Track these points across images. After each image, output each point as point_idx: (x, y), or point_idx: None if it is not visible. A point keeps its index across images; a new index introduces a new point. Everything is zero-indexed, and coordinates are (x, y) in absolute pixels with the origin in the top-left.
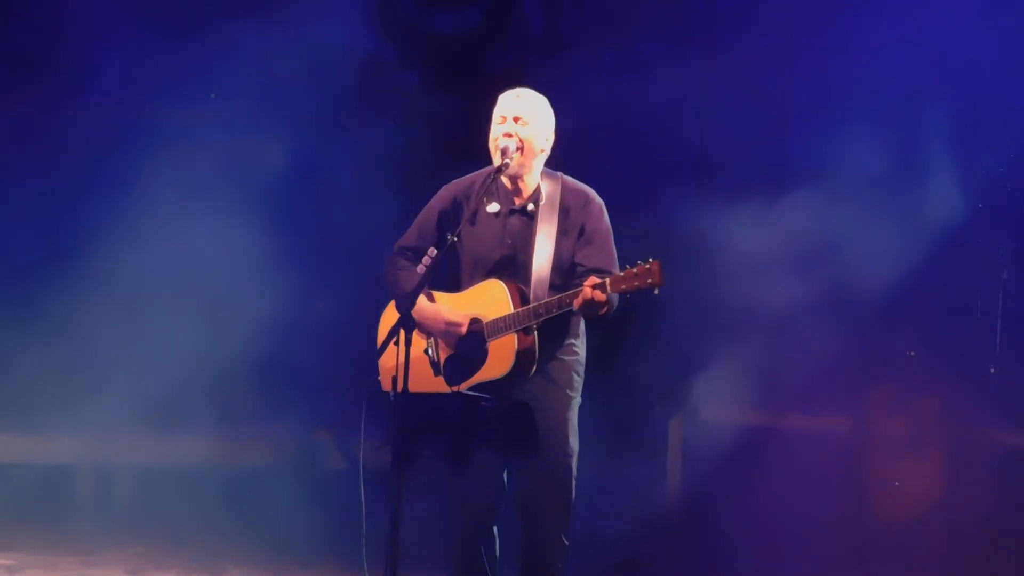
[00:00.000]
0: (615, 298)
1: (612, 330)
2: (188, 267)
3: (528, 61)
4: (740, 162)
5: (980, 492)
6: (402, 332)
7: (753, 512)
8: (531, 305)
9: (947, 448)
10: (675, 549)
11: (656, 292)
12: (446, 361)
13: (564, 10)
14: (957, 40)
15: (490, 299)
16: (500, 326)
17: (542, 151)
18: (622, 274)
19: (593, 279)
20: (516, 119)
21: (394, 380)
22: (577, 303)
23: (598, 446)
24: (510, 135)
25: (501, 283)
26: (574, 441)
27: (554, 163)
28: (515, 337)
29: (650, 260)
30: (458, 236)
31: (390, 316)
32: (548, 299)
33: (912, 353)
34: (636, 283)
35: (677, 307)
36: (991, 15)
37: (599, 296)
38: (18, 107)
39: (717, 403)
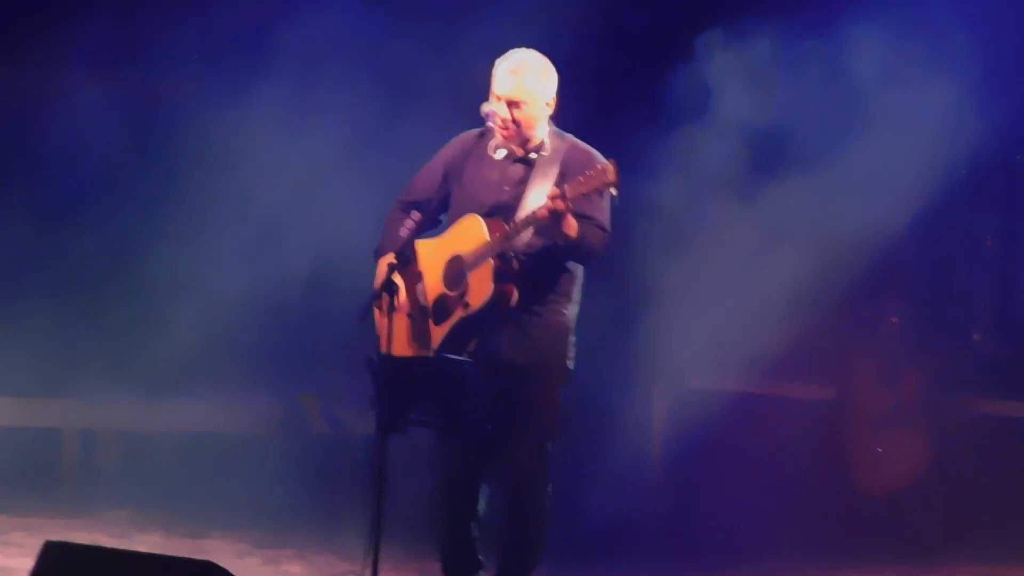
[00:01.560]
0: (593, 236)
1: (599, 299)
2: (178, 238)
3: None
4: (724, 138)
5: (962, 460)
6: (384, 296)
7: (737, 481)
8: (503, 230)
9: (930, 416)
10: (659, 519)
11: (614, 192)
12: (434, 302)
13: None
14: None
15: (468, 233)
16: (476, 256)
17: (544, 114)
18: (580, 178)
19: (553, 190)
20: (511, 103)
21: (378, 346)
22: (541, 214)
23: (582, 416)
24: (506, 124)
25: (478, 217)
26: (557, 411)
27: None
28: (491, 262)
29: (604, 160)
30: (459, 179)
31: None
32: (516, 220)
33: (895, 320)
34: (593, 184)
35: (662, 278)
36: None
37: (560, 205)
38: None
39: (701, 372)
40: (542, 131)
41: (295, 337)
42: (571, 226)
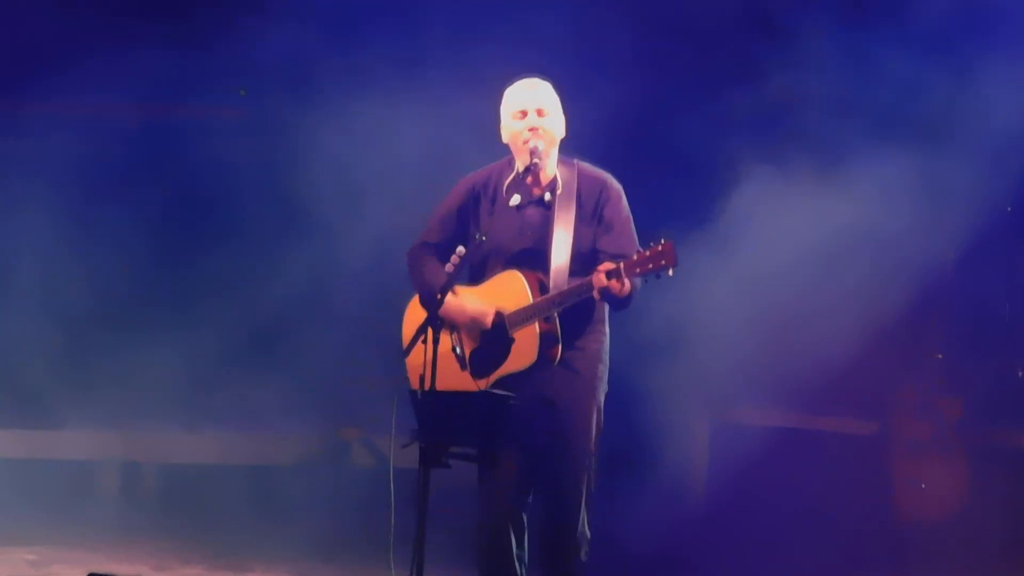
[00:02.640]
0: (637, 282)
1: (640, 330)
2: (215, 267)
3: None
4: (771, 160)
5: (1005, 496)
6: (430, 330)
7: (779, 514)
8: (549, 295)
9: (973, 451)
10: (702, 550)
11: (671, 273)
12: (471, 354)
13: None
14: (983, 44)
15: (509, 290)
16: (521, 317)
17: (559, 137)
18: (635, 258)
19: (606, 264)
20: (539, 112)
21: (421, 378)
22: (596, 285)
23: (626, 445)
24: (536, 130)
25: (519, 273)
26: (597, 436)
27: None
28: (536, 326)
29: (662, 241)
30: (485, 235)
31: (414, 312)
32: (566, 287)
33: (940, 356)
34: (650, 265)
35: (703, 306)
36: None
37: (614, 284)
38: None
39: (745, 404)
40: (552, 167)
41: (338, 368)
42: (624, 290)
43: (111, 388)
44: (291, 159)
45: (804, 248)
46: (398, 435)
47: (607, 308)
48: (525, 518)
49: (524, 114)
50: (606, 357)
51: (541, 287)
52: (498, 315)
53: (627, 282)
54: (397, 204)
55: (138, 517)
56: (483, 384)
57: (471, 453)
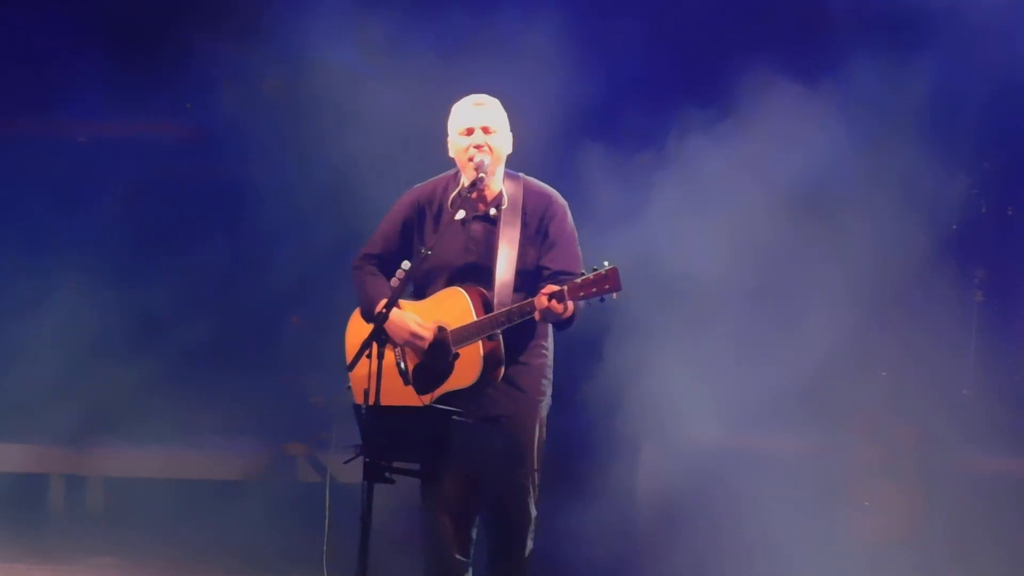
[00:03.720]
0: (581, 304)
1: (579, 349)
2: (161, 284)
3: None
4: (714, 185)
5: (952, 515)
6: (374, 345)
7: (723, 536)
8: (493, 314)
9: (919, 471)
10: (642, 571)
11: (615, 297)
12: (415, 370)
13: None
14: (939, 65)
15: (453, 307)
16: (464, 335)
17: (506, 153)
18: (579, 281)
19: (549, 287)
20: (485, 129)
21: (366, 393)
22: (536, 316)
23: (566, 464)
24: (481, 147)
25: (462, 291)
26: (540, 453)
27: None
28: (480, 344)
29: (606, 264)
30: (430, 250)
31: (357, 325)
32: (509, 307)
33: (884, 374)
34: (594, 289)
35: (645, 325)
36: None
37: (555, 306)
38: None
39: (688, 425)
40: (497, 182)
41: (282, 384)
42: (567, 313)
43: (55, 402)
44: (237, 179)
45: (749, 266)
46: (342, 450)
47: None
48: (474, 533)
49: (471, 131)
50: (550, 373)
51: (485, 304)
52: (442, 331)
53: (570, 304)
54: (340, 221)
55: (81, 532)
56: (427, 400)
57: (415, 468)
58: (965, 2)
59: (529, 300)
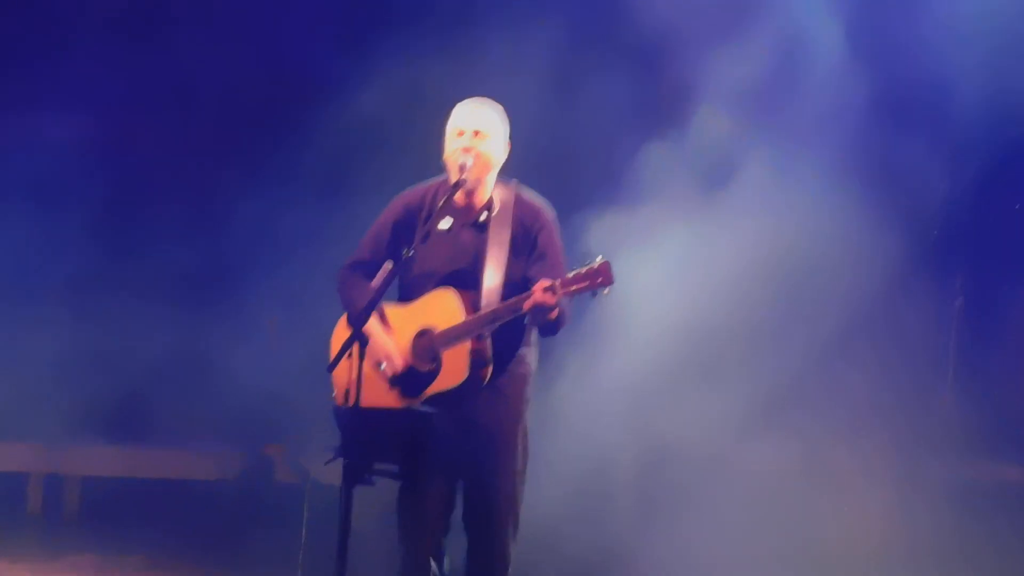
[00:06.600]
0: (567, 307)
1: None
2: (139, 281)
3: None
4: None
5: (932, 521)
6: (355, 346)
7: (697, 545)
8: (481, 313)
9: (898, 477)
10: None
11: (606, 292)
12: (401, 373)
13: None
14: (922, 69)
15: (441, 308)
16: (451, 335)
17: (500, 159)
18: (571, 275)
19: (543, 281)
20: (476, 133)
21: (347, 394)
22: (527, 306)
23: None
24: (469, 149)
25: (452, 292)
26: (523, 457)
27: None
28: (468, 345)
29: (598, 259)
30: (413, 252)
31: (342, 330)
32: (499, 304)
33: (863, 379)
34: (586, 283)
35: (624, 328)
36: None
37: (549, 299)
38: None
39: (664, 431)
40: (487, 190)
41: (261, 386)
42: (554, 312)
43: (33, 400)
44: (212, 183)
45: (726, 272)
46: (322, 451)
47: (535, 333)
48: (444, 541)
49: (462, 133)
50: (532, 379)
51: (474, 307)
52: (426, 332)
53: (560, 304)
54: (318, 220)
55: (59, 530)
56: (414, 403)
57: (394, 470)
58: None
59: (519, 296)
